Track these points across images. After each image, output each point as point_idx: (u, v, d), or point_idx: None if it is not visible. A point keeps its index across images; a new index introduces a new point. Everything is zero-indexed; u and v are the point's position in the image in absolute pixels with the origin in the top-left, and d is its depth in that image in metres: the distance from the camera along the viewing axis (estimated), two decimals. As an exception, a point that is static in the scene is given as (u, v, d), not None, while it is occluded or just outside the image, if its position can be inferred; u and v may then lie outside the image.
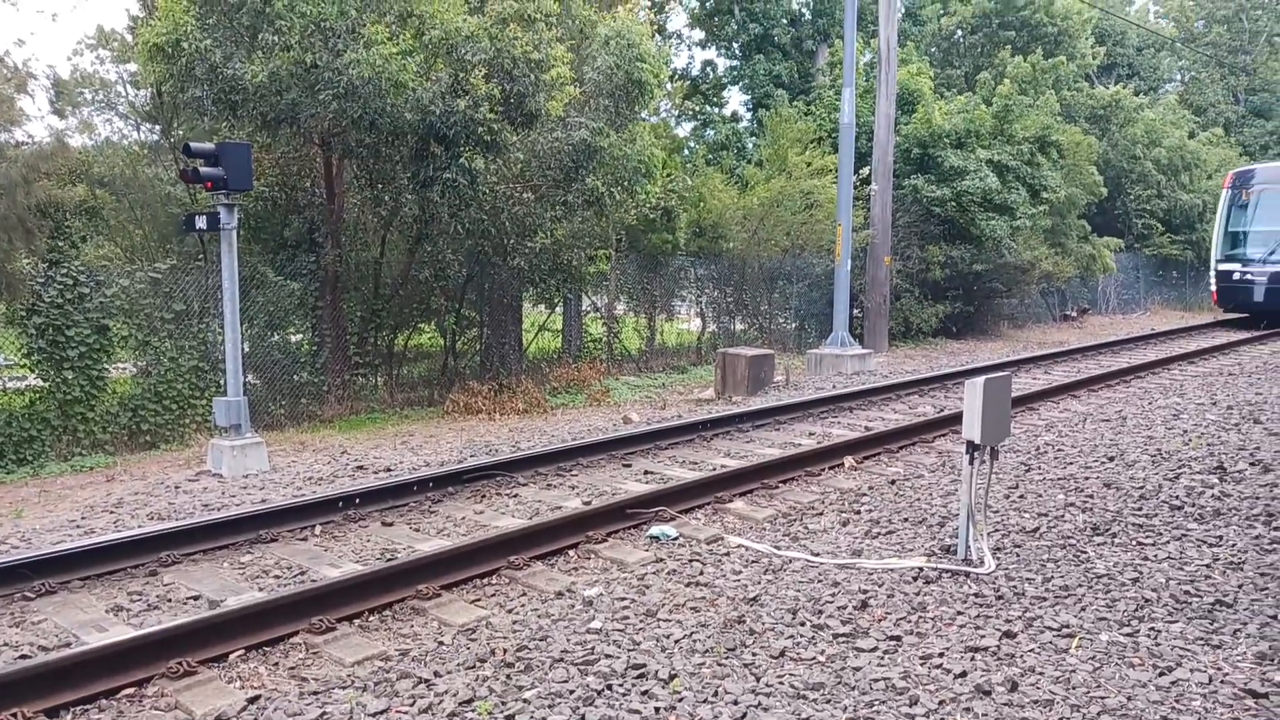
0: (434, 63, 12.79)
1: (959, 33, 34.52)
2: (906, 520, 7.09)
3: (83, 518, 7.76)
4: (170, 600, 5.79)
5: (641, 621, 5.14)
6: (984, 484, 6.36)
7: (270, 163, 14.04)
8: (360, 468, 9.32)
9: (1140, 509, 7.15)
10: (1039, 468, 8.70)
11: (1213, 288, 23.09)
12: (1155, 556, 6.03)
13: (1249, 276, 21.91)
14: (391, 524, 7.33)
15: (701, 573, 5.95)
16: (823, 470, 8.71)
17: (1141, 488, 7.73)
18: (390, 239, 15.17)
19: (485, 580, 6.02)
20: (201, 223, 9.55)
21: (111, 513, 7.87)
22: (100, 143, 16.99)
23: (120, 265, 12.72)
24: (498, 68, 12.69)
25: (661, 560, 6.25)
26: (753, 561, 6.19)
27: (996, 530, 6.69)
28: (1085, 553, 6.17)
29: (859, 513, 7.35)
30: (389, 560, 6.31)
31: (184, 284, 12.28)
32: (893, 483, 8.30)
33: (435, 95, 12.43)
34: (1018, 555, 6.16)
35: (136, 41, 13.38)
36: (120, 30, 16.74)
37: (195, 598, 5.81)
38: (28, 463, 10.38)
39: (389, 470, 9.13)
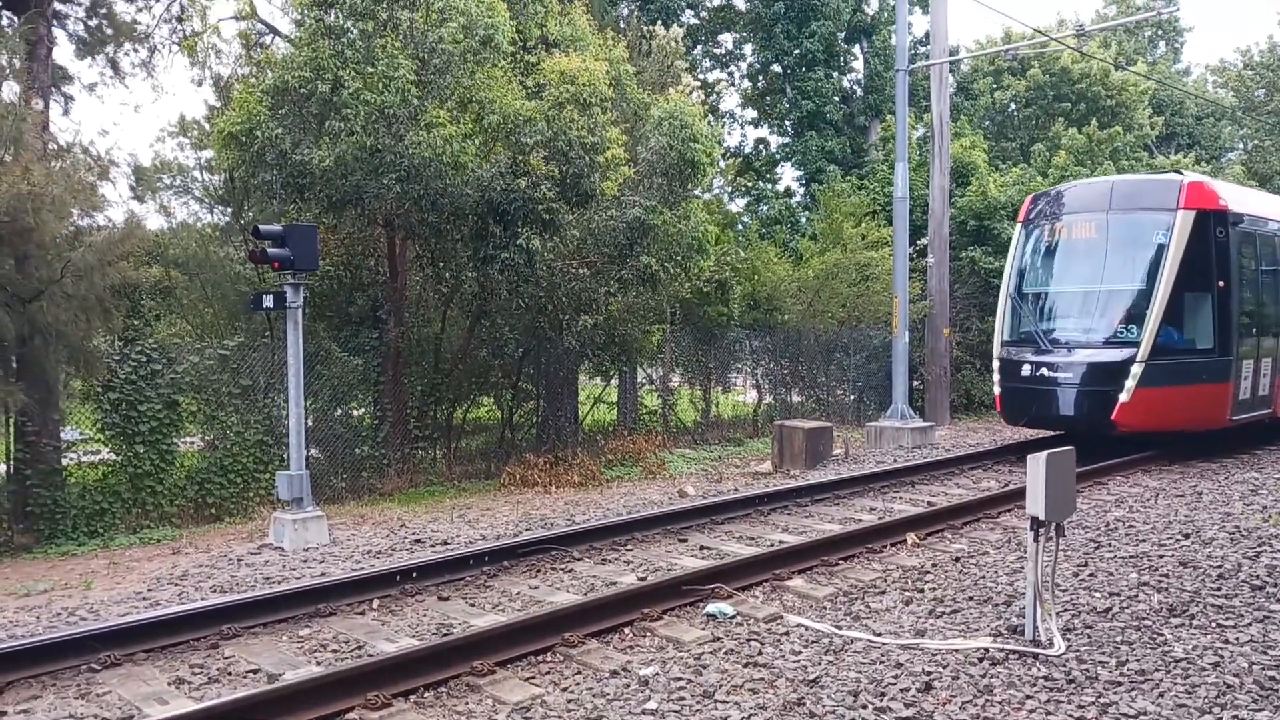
0: (493, 145, 13.17)
1: (1012, 106, 34.60)
2: (971, 599, 6.90)
3: (149, 590, 7.89)
4: (230, 674, 5.84)
5: (698, 703, 5.04)
6: (1051, 561, 6.18)
7: (336, 243, 14.48)
8: (418, 541, 9.37)
9: (1219, 589, 6.87)
10: (1109, 545, 8.44)
11: (995, 389, 14.42)
12: (1237, 640, 5.78)
13: (1047, 372, 13.14)
14: (448, 598, 7.33)
15: (760, 652, 5.83)
16: (884, 547, 8.54)
17: (1220, 566, 7.44)
18: (450, 315, 15.46)
19: (540, 657, 5.97)
20: (269, 302, 9.85)
21: (176, 585, 8.00)
22: (175, 225, 17.69)
23: (191, 342, 13.12)
24: (555, 150, 13.02)
25: (719, 639, 6.15)
26: (812, 641, 6.06)
27: (1066, 610, 6.48)
28: (1161, 635, 5.93)
29: (922, 591, 7.17)
30: (444, 636, 6.30)
31: (251, 360, 12.62)
32: (957, 560, 8.10)
33: (494, 175, 12.78)
34: (1089, 636, 5.94)
35: (213, 130, 14.02)
36: (199, 119, 17.56)
37: (254, 671, 5.85)
38: (99, 535, 10.62)
39: (446, 544, 9.17)
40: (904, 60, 17.59)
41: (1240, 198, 14.26)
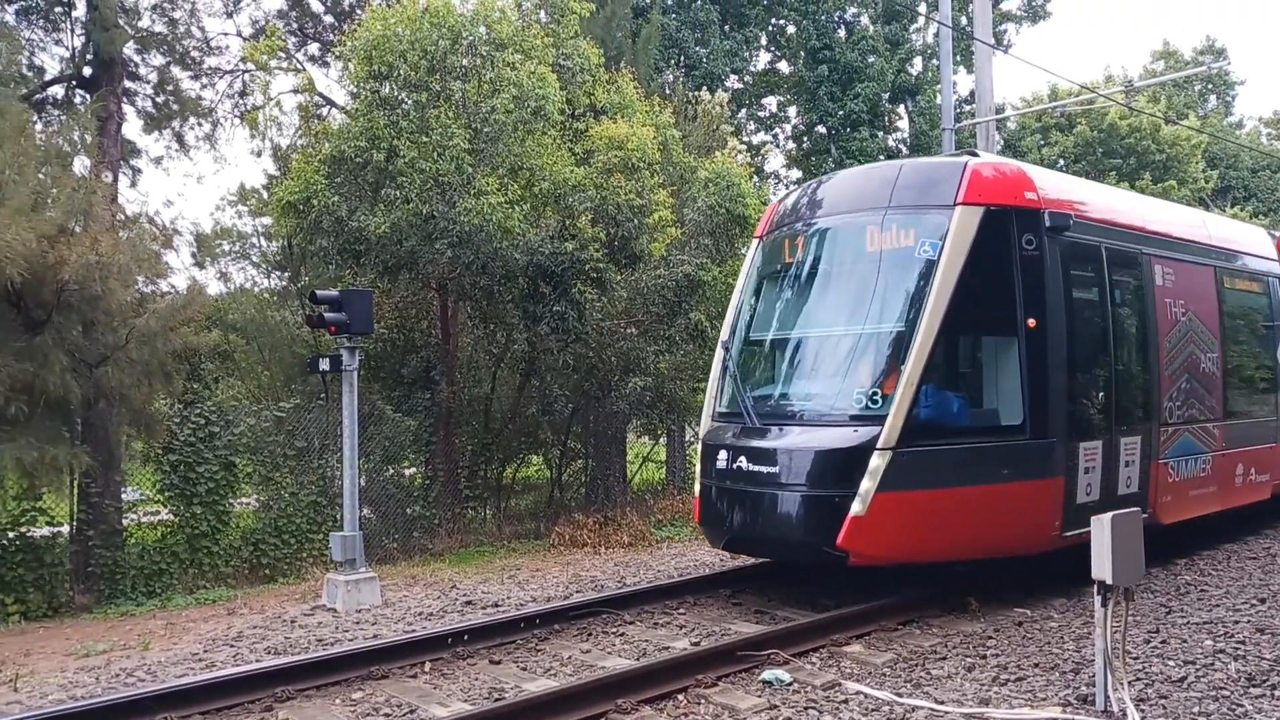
0: (543, 210, 13.39)
1: (1061, 162, 34.44)
2: (1037, 666, 6.67)
3: (205, 651, 7.94)
4: (284, 738, 5.81)
5: (757, 772, 4.91)
6: (1120, 628, 5.97)
7: (390, 306, 14.74)
8: (469, 603, 9.33)
9: (1299, 657, 6.57)
10: (1180, 609, 8.14)
11: (696, 488, 9.49)
12: (1322, 712, 5.50)
13: (746, 464, 8.45)
14: (499, 662, 7.27)
15: (818, 720, 5.68)
16: (943, 614, 8.30)
17: (1299, 633, 7.13)
18: (500, 375, 15.60)
19: (594, 724, 5.87)
20: (325, 365, 10.02)
21: (231, 646, 8.03)
22: (234, 290, 18.17)
23: (248, 404, 13.37)
24: (603, 214, 13.21)
25: (775, 707, 6.00)
26: (873, 710, 5.89)
27: (1138, 679, 6.24)
28: (1241, 705, 5.68)
29: (985, 658, 6.95)
30: (496, 700, 6.23)
31: (306, 422, 12.81)
32: (1020, 625, 7.86)
33: (544, 239, 12.98)
34: (1164, 707, 5.70)
35: (271, 198, 14.45)
36: (257, 187, 18.14)
37: (308, 736, 5.83)
38: (156, 595, 10.74)
39: (497, 606, 9.12)
40: (950, 119, 17.65)
41: (1069, 189, 9.46)
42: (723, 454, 8.68)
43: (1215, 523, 10.88)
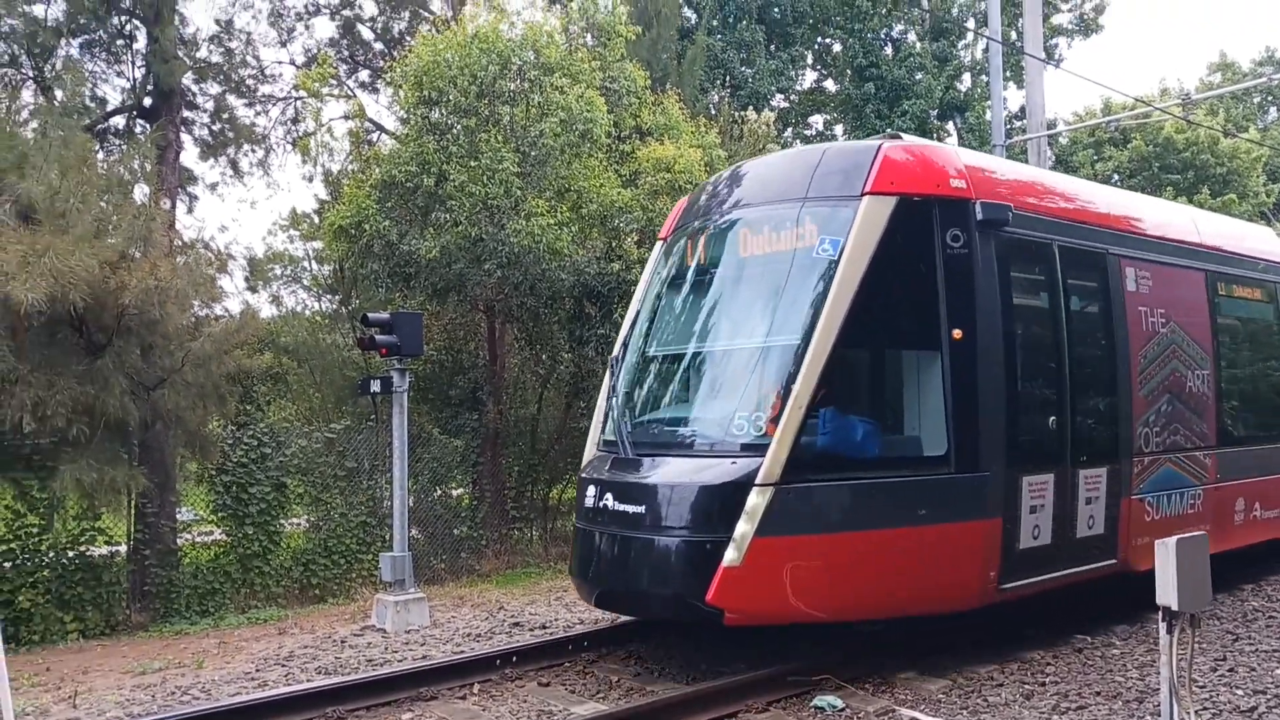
0: (590, 232, 13.46)
1: (1115, 177, 33.84)
2: (1099, 694, 6.48)
3: (257, 670, 8.02)
4: (334, 759, 5.83)
5: (809, 801, 4.81)
6: (1186, 655, 5.76)
7: (438, 329, 14.88)
8: (516, 624, 9.32)
9: (1378, 688, 6.30)
10: (1248, 636, 7.87)
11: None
12: (1405, 746, 5.25)
13: (613, 503, 7.13)
14: (548, 684, 7.24)
15: (872, 748, 5.55)
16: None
17: (1376, 663, 6.84)
18: (547, 396, 15.64)
19: (643, 748, 5.80)
20: (376, 386, 10.12)
21: (283, 665, 8.10)
22: (286, 313, 18.49)
23: (299, 426, 13.55)
24: (649, 234, 13.24)
25: (822, 732, 5.88)
26: (928, 737, 5.75)
27: (1205, 709, 6.03)
28: (1317, 738, 5.44)
29: (1044, 685, 6.77)
30: (546, 723, 6.20)
31: (356, 443, 12.94)
32: (1080, 651, 7.64)
33: (590, 259, 13.04)
34: (1234, 739, 5.49)
35: (323, 223, 14.70)
36: (309, 212, 18.48)
37: (357, 757, 5.83)
38: (210, 614, 10.89)
39: (544, 627, 9.10)
40: (1000, 135, 17.44)
41: (1011, 177, 8.12)
42: (591, 490, 7.32)
43: (1262, 552, 10.07)
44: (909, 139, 7.78)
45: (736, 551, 6.26)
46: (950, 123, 31.46)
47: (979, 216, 7.10)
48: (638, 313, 8.40)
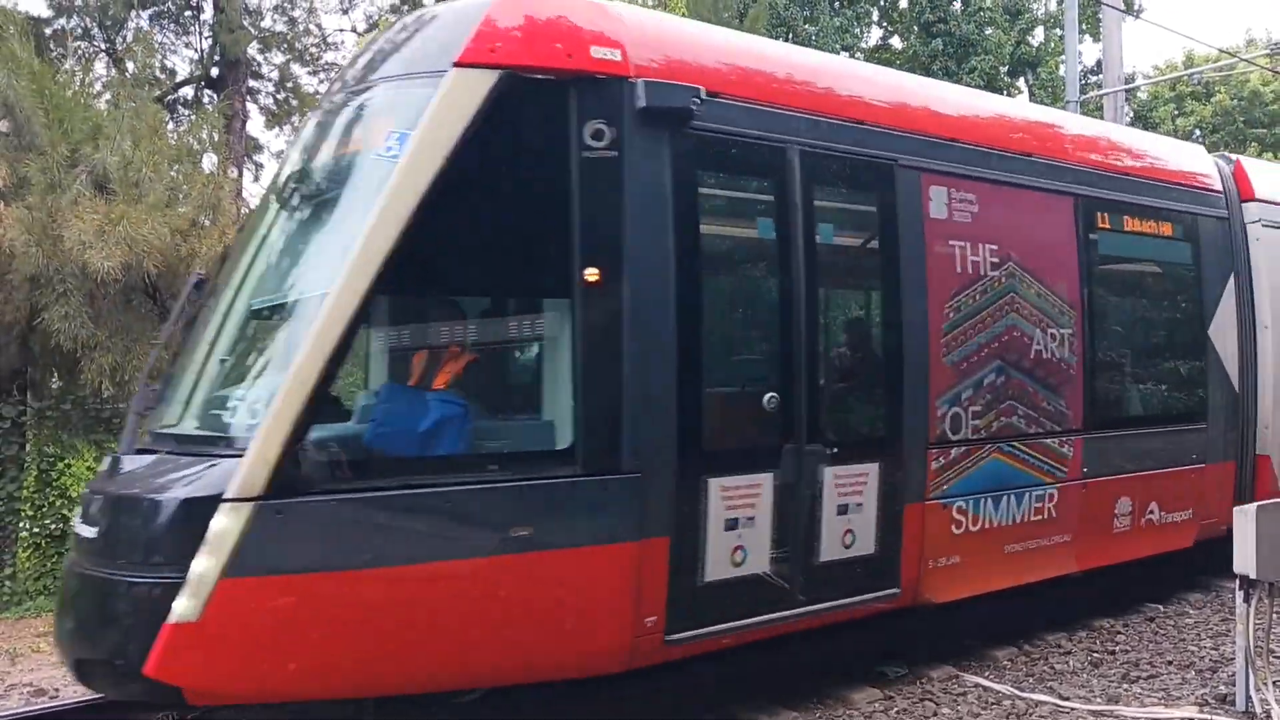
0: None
1: (1197, 133, 32.57)
2: (1171, 663, 6.33)
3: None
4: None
5: (870, 764, 4.79)
6: (1264, 625, 5.59)
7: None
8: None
9: None
10: (1332, 608, 7.58)
11: None
12: None
13: (80, 524, 4.72)
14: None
15: (935, 713, 5.52)
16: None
17: None
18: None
19: (702, 709, 5.79)
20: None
21: None
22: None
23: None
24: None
25: (891, 698, 5.84)
26: (992, 704, 5.68)
27: (1284, 680, 5.84)
28: (1404, 713, 5.24)
29: (1113, 653, 6.63)
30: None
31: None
32: (1151, 620, 7.46)
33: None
34: (1315, 711, 5.32)
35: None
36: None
37: None
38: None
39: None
40: (1075, 91, 16.88)
41: (705, 45, 5.65)
42: (81, 506, 5.04)
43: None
44: None
45: (193, 600, 4.05)
46: (1021, 79, 30.54)
47: (642, 103, 4.82)
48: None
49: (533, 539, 4.56)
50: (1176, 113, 32.87)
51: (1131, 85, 27.17)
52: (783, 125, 5.49)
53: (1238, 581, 5.35)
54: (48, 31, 13.89)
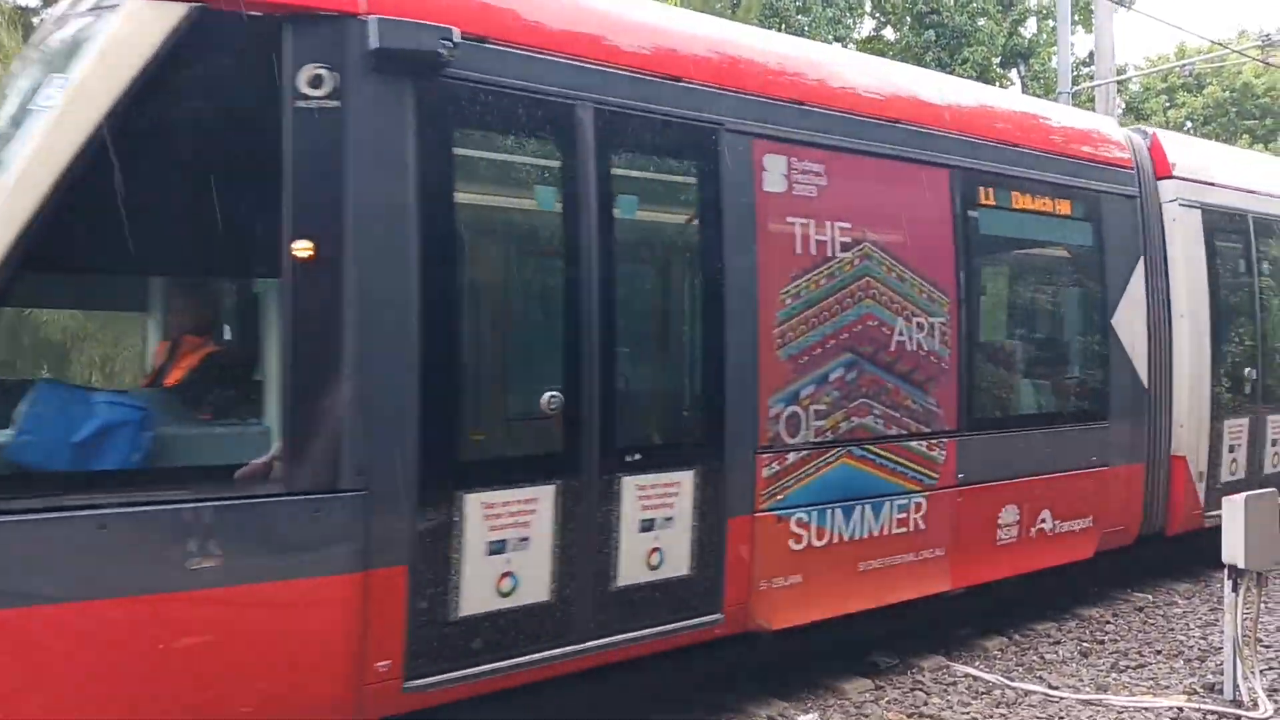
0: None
1: (1189, 125, 32.64)
2: (1159, 653, 6.39)
3: None
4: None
5: (860, 753, 4.82)
6: (1252, 614, 5.64)
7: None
8: None
9: None
10: (1318, 597, 7.65)
11: None
12: None
13: None
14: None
15: (926, 703, 5.56)
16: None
17: None
18: None
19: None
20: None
21: None
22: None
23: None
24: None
25: (881, 687, 5.88)
26: (982, 693, 5.73)
27: (1270, 668, 5.91)
28: (1388, 701, 5.30)
29: (1102, 643, 6.69)
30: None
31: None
32: (1140, 610, 7.51)
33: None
34: (1301, 699, 5.37)
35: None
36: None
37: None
38: None
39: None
40: (1067, 82, 16.91)
41: None
42: None
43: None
44: None
45: None
46: (1014, 70, 30.57)
47: (374, 43, 3.99)
48: None
49: (220, 572, 3.69)
50: (1168, 104, 32.93)
51: (1124, 76, 27.25)
52: (570, 78, 4.62)
53: (1226, 571, 5.39)
54: (35, 21, 13.66)
